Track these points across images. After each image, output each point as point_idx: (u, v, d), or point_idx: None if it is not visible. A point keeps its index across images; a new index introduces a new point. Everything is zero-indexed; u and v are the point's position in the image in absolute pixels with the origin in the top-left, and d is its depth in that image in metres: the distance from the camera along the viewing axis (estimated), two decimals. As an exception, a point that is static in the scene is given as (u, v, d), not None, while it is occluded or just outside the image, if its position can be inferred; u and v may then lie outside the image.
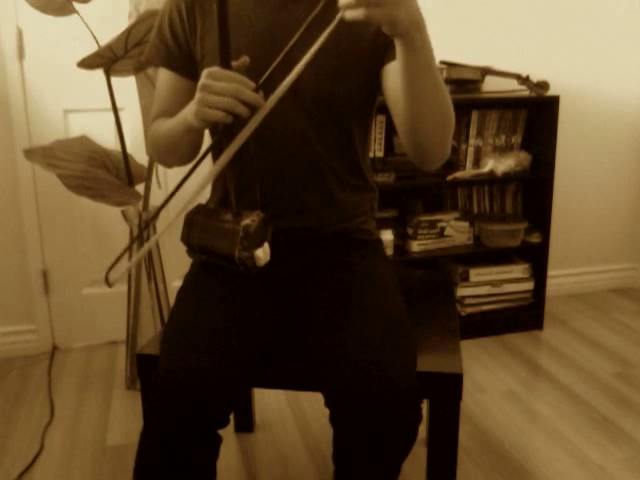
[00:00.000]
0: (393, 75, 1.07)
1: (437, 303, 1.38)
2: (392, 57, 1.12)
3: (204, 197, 1.25)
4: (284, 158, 1.10)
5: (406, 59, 0.89)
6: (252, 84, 0.88)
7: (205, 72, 0.89)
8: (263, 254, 1.02)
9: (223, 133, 0.91)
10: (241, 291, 1.08)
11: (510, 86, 2.20)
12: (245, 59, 0.91)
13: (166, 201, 0.92)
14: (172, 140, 1.08)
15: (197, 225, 1.07)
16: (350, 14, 0.79)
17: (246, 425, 1.70)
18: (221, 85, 0.87)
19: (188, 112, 0.95)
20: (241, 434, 1.70)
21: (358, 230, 1.21)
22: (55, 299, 2.20)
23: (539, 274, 2.29)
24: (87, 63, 1.61)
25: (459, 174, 2.15)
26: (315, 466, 1.56)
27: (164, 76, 1.16)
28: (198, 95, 0.89)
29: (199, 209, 1.10)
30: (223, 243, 1.03)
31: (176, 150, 1.12)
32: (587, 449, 1.60)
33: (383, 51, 1.10)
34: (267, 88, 0.88)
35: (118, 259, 0.93)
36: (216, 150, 0.96)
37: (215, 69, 0.89)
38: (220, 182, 1.19)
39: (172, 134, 1.07)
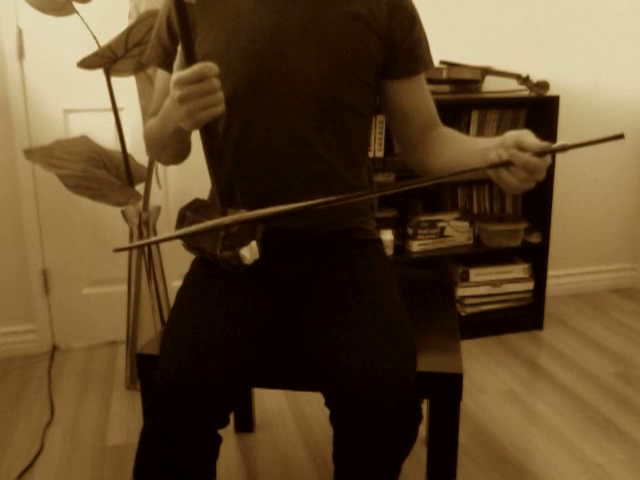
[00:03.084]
0: (404, 95, 1.15)
1: (437, 303, 1.38)
2: (400, 75, 1.13)
3: (205, 193, 1.25)
4: (284, 158, 1.10)
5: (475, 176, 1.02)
6: (215, 68, 0.86)
7: (172, 84, 0.88)
8: (250, 253, 1.02)
9: (203, 131, 0.92)
10: (241, 291, 1.08)
11: (510, 86, 2.20)
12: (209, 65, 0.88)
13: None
14: (161, 139, 1.09)
15: (187, 221, 1.08)
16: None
17: (246, 425, 1.70)
18: (194, 89, 0.86)
19: (175, 119, 0.94)
20: (241, 434, 1.70)
21: (358, 230, 1.21)
22: (55, 299, 2.20)
23: (539, 274, 2.29)
24: (87, 63, 1.61)
25: (459, 174, 2.15)
26: (315, 466, 1.56)
27: (162, 77, 1.17)
28: (182, 109, 0.88)
29: (192, 204, 1.11)
30: (207, 241, 1.04)
31: (165, 149, 1.12)
32: (587, 449, 1.60)
33: (386, 57, 1.12)
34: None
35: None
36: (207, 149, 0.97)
37: (177, 77, 0.87)
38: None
39: (160, 134, 1.07)
